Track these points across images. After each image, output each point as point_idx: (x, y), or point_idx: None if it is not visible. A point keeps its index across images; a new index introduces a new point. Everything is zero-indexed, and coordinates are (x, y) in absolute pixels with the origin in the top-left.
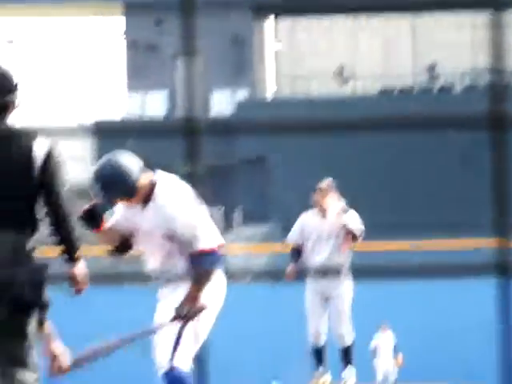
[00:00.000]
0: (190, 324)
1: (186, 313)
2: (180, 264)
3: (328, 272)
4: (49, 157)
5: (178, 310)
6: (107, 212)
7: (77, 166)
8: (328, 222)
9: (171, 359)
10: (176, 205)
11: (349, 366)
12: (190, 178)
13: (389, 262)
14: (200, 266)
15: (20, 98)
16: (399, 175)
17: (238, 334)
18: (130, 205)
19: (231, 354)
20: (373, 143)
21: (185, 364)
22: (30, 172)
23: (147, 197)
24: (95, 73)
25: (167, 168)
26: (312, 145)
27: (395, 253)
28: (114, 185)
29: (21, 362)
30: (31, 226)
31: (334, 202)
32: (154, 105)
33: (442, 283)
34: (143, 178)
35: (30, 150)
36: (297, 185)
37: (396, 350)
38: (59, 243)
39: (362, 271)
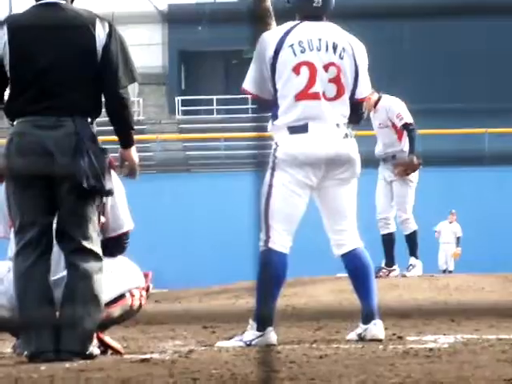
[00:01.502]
0: (273, 202)
1: None
2: None
3: (386, 159)
4: (110, 38)
5: None
6: None
7: (146, 53)
8: (376, 115)
9: (263, 239)
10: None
11: (412, 258)
12: None
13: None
14: None
15: None
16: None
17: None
18: None
19: (304, 240)
20: (448, 29)
21: (274, 244)
22: (92, 55)
23: None
24: None
25: (237, 53)
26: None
27: (467, 138)
28: None
29: (85, 250)
30: (93, 111)
31: (376, 97)
32: None
33: None
34: None
35: (90, 32)
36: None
37: (459, 242)
38: (114, 128)
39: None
